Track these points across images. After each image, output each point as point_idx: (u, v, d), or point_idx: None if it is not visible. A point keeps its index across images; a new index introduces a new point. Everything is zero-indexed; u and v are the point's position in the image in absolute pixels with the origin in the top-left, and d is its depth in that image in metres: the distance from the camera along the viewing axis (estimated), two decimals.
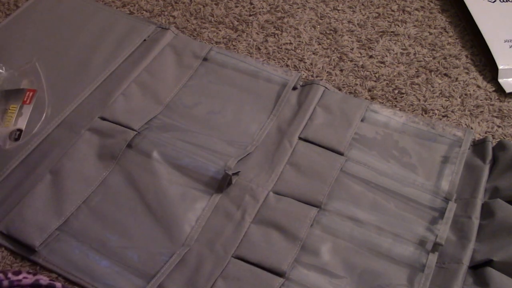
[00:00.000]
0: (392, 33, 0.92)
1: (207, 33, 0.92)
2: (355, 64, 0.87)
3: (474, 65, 0.88)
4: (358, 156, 0.74)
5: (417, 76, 0.86)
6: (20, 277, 0.60)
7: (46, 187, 0.70)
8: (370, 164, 0.73)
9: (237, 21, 0.94)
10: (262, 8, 0.96)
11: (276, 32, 0.92)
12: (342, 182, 0.71)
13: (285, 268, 0.63)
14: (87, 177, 0.71)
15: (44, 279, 0.61)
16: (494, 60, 0.85)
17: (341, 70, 0.86)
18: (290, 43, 0.90)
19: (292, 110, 0.79)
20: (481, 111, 0.81)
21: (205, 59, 0.86)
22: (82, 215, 0.69)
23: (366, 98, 0.82)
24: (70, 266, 0.64)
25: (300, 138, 0.76)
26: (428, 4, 0.97)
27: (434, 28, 0.93)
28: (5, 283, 0.59)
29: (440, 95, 0.83)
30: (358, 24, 0.94)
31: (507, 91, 0.83)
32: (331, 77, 0.85)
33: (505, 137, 0.78)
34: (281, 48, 0.90)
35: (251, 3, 0.97)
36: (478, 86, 0.84)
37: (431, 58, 0.88)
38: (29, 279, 0.60)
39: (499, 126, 0.79)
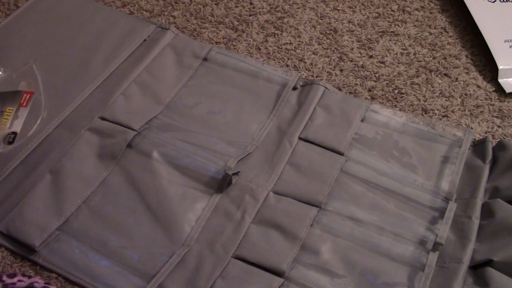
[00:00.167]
0: (392, 33, 0.92)
1: (207, 33, 0.92)
2: (355, 64, 0.87)
3: (474, 65, 0.88)
4: (358, 156, 0.74)
5: (417, 76, 0.86)
6: (15, 280, 0.60)
7: (46, 187, 0.70)
8: (370, 164, 0.73)
9: (237, 21, 0.94)
10: (262, 8, 0.96)
11: (276, 32, 0.92)
12: (342, 182, 0.71)
13: (284, 268, 0.63)
14: (87, 177, 0.71)
15: (39, 282, 0.60)
16: (494, 60, 0.85)
17: (341, 70, 0.86)
18: (290, 43, 0.90)
19: (292, 110, 0.79)
20: (481, 111, 0.81)
21: (205, 59, 0.86)
22: (82, 215, 0.69)
23: (366, 98, 0.82)
24: (70, 266, 0.64)
25: (300, 138, 0.76)
26: (428, 4, 0.97)
27: (434, 28, 0.93)
28: None
29: (440, 95, 0.83)
30: (358, 24, 0.94)
31: (507, 91, 0.83)
32: (331, 77, 0.85)
33: (505, 137, 0.78)
34: (281, 48, 0.90)
35: (251, 3, 0.97)
36: (478, 86, 0.84)
37: (431, 58, 0.88)
38: (24, 282, 0.60)
39: (499, 126, 0.79)
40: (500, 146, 0.74)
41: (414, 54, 0.89)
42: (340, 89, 0.84)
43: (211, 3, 0.97)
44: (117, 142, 0.74)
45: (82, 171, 0.72)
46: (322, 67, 0.87)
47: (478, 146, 0.75)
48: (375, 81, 0.85)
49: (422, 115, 0.81)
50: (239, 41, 0.90)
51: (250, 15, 0.95)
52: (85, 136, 0.75)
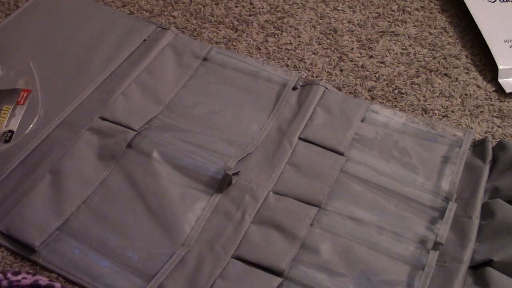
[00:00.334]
0: (392, 33, 0.92)
1: (207, 33, 0.92)
2: (355, 64, 0.87)
3: (474, 65, 0.88)
4: (358, 156, 0.74)
5: (417, 76, 0.86)
6: (19, 277, 0.60)
7: (46, 187, 0.70)
8: (370, 164, 0.73)
9: (237, 21, 0.94)
10: (262, 8, 0.96)
11: (276, 32, 0.92)
12: (342, 182, 0.71)
13: (283, 267, 0.63)
14: (87, 177, 0.71)
15: (43, 280, 0.61)
16: (494, 60, 0.85)
17: (341, 70, 0.86)
18: (290, 43, 0.90)
19: (292, 110, 0.79)
20: (481, 111, 0.81)
21: (205, 59, 0.86)
22: (82, 215, 0.69)
23: (366, 98, 0.82)
24: (70, 266, 0.64)
25: (300, 138, 0.76)
26: (428, 4, 0.97)
27: (434, 28, 0.93)
28: (4, 283, 0.59)
29: (440, 95, 0.83)
30: (358, 24, 0.94)
31: (507, 91, 0.83)
32: (331, 77, 0.85)
33: (505, 137, 0.78)
34: (281, 48, 0.90)
35: (251, 3, 0.97)
36: (478, 86, 0.84)
37: (431, 58, 0.88)
38: (28, 279, 0.60)
39: (499, 126, 0.79)
40: (500, 146, 0.74)
41: (414, 54, 0.89)
42: (340, 89, 0.84)
43: (211, 3, 0.97)
44: (117, 142, 0.74)
45: (82, 171, 0.72)
46: (322, 67, 0.87)
47: (478, 146, 0.75)
48: (375, 81, 0.85)
49: (422, 115, 0.81)
50: (239, 41, 0.90)
51: (250, 15, 0.95)
52: (85, 136, 0.75)
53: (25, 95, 0.78)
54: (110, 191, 0.71)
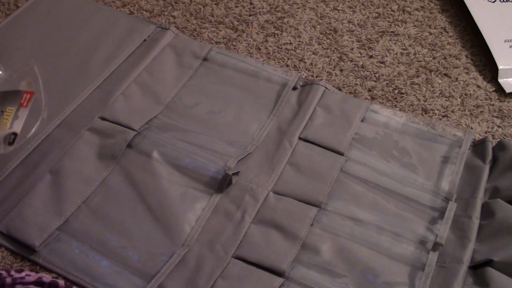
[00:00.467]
0: (392, 33, 0.92)
1: (207, 33, 0.92)
2: (355, 64, 0.87)
3: (474, 65, 0.88)
4: (358, 156, 0.74)
5: (417, 76, 0.86)
6: (23, 274, 0.61)
7: (46, 187, 0.70)
8: (370, 164, 0.73)
9: (237, 21, 0.94)
10: (262, 8, 0.96)
11: (276, 32, 0.92)
12: (342, 182, 0.71)
13: (284, 267, 0.63)
14: (87, 177, 0.71)
15: (46, 277, 0.61)
16: (494, 60, 0.85)
17: (341, 70, 0.86)
18: (290, 43, 0.90)
19: (292, 110, 0.79)
20: (481, 111, 0.81)
21: (205, 59, 0.86)
22: (82, 215, 0.69)
23: (366, 98, 0.82)
24: (70, 266, 0.64)
25: (300, 138, 0.76)
26: (428, 4, 0.97)
27: (434, 28, 0.93)
28: (8, 280, 0.59)
29: (440, 95, 0.83)
30: (358, 24, 0.94)
31: (507, 91, 0.83)
32: (331, 77, 0.85)
33: (505, 137, 0.78)
34: (281, 48, 0.90)
35: (251, 3, 0.97)
36: (478, 86, 0.84)
37: (431, 58, 0.88)
38: (32, 276, 0.61)
39: (499, 126, 0.79)
40: (500, 146, 0.74)
41: (414, 54, 0.89)
42: (340, 89, 0.84)
43: (211, 3, 0.97)
44: (117, 142, 0.74)
45: (82, 171, 0.72)
46: (322, 67, 0.87)
47: (478, 146, 0.75)
48: (375, 81, 0.85)
49: (422, 115, 0.81)
50: (239, 41, 0.90)
51: (250, 15, 0.95)
52: (85, 136, 0.75)
53: (28, 97, 0.78)
54: (110, 191, 0.71)
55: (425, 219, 0.68)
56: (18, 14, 0.93)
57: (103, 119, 0.77)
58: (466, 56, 0.89)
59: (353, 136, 0.76)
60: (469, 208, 0.68)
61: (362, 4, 0.97)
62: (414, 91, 0.84)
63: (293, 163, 0.73)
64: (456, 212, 0.68)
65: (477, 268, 0.64)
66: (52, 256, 0.65)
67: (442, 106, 0.82)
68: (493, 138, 0.77)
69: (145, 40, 0.88)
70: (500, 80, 0.84)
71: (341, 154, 0.74)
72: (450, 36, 0.92)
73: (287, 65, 0.87)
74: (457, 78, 0.85)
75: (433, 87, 0.84)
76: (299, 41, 0.91)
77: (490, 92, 0.84)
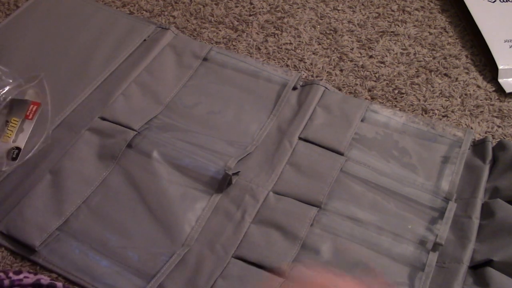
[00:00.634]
0: (392, 33, 0.92)
1: (207, 33, 0.92)
2: (355, 64, 0.87)
3: (474, 65, 0.88)
4: (358, 156, 0.74)
5: (417, 76, 0.86)
6: (21, 276, 0.60)
7: (46, 187, 0.70)
8: (370, 164, 0.73)
9: (237, 21, 0.94)
10: (262, 8, 0.96)
11: (276, 32, 0.92)
12: (342, 182, 0.71)
13: (285, 267, 0.63)
14: (87, 177, 0.71)
15: (45, 279, 0.61)
16: (494, 60, 0.85)
17: (341, 70, 0.86)
18: (290, 43, 0.90)
19: (292, 110, 0.79)
20: (481, 111, 0.81)
21: (205, 59, 0.86)
22: (82, 215, 0.69)
23: (366, 98, 0.82)
24: (70, 266, 0.64)
25: (300, 138, 0.76)
26: (428, 4, 0.97)
27: (434, 28, 0.93)
28: (6, 282, 0.59)
29: (440, 95, 0.83)
30: (358, 24, 0.94)
31: (507, 91, 0.83)
32: (331, 77, 0.85)
33: (505, 137, 0.78)
34: (281, 48, 0.90)
35: (251, 3, 0.97)
36: (478, 86, 0.84)
37: (431, 58, 0.88)
38: (30, 278, 0.60)
39: (499, 126, 0.79)
40: (500, 146, 0.74)
41: (414, 54, 0.89)
42: (340, 89, 0.84)
43: (211, 3, 0.97)
44: (117, 142, 0.74)
45: (82, 171, 0.72)
46: (322, 67, 0.87)
47: (478, 146, 0.75)
48: (375, 81, 0.85)
49: (422, 115, 0.81)
50: (239, 41, 0.90)
51: (250, 15, 0.95)
52: (85, 136, 0.75)
53: (34, 108, 0.76)
54: (110, 191, 0.71)
55: (425, 219, 0.68)
56: (18, 14, 0.93)
57: (103, 119, 0.77)
58: (466, 56, 0.89)
59: (353, 136, 0.76)
60: (469, 208, 0.68)
61: (362, 4, 0.97)
62: (414, 91, 0.84)
63: (293, 163, 0.73)
64: (456, 212, 0.68)
65: (477, 268, 0.64)
66: (52, 256, 0.65)
67: (442, 106, 0.82)
68: (493, 138, 0.77)
69: (145, 40, 0.88)
70: (500, 80, 0.84)
71: (341, 154, 0.74)
72: (450, 36, 0.92)
73: (287, 65, 0.87)
74: (457, 78, 0.85)
75: (433, 87, 0.84)
76: (299, 41, 0.91)
77: (490, 92, 0.84)
